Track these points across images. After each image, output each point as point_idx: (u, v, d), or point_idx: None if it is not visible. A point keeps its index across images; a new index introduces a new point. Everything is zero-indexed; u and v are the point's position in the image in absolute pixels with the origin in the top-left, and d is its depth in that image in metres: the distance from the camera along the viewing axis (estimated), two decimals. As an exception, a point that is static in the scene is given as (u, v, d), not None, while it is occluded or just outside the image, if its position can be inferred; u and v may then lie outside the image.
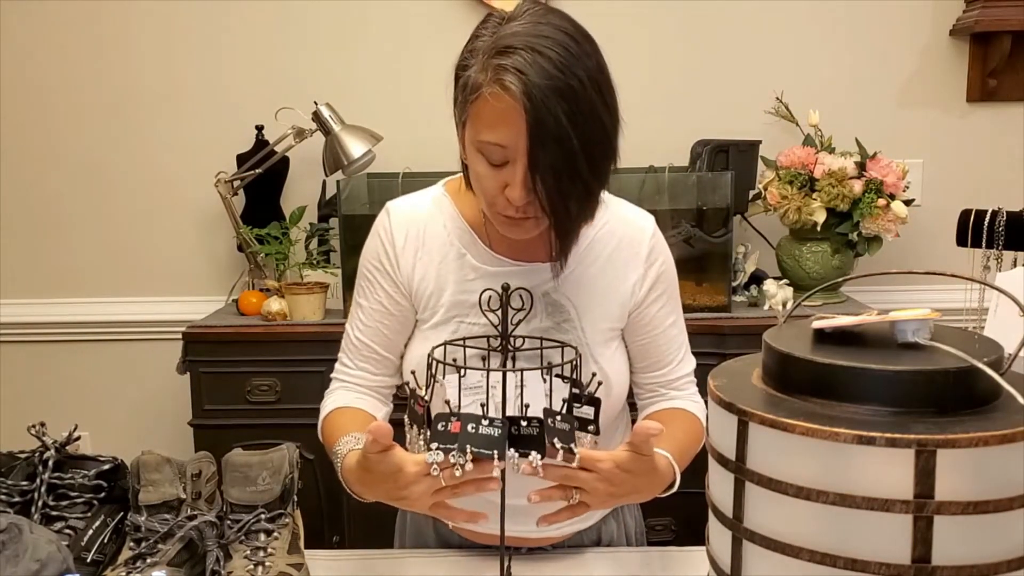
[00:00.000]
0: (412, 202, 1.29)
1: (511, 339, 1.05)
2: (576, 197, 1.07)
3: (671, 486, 1.17)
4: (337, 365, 1.34)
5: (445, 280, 1.24)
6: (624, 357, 1.29)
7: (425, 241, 1.25)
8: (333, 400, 1.31)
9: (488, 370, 0.99)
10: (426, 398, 1.01)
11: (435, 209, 1.27)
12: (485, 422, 0.95)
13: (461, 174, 1.25)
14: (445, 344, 1.08)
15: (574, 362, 1.02)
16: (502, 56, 1.02)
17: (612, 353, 1.26)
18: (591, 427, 1.01)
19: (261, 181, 2.47)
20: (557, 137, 1.01)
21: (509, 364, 1.04)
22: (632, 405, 1.39)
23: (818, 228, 2.31)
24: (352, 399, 1.31)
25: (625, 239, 1.26)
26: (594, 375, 1.06)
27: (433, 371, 1.02)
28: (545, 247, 1.20)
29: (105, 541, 1.18)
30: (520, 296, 1.05)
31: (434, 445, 0.95)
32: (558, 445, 0.96)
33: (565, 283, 1.23)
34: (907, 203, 2.31)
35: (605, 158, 1.08)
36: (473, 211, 1.24)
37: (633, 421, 1.35)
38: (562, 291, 1.23)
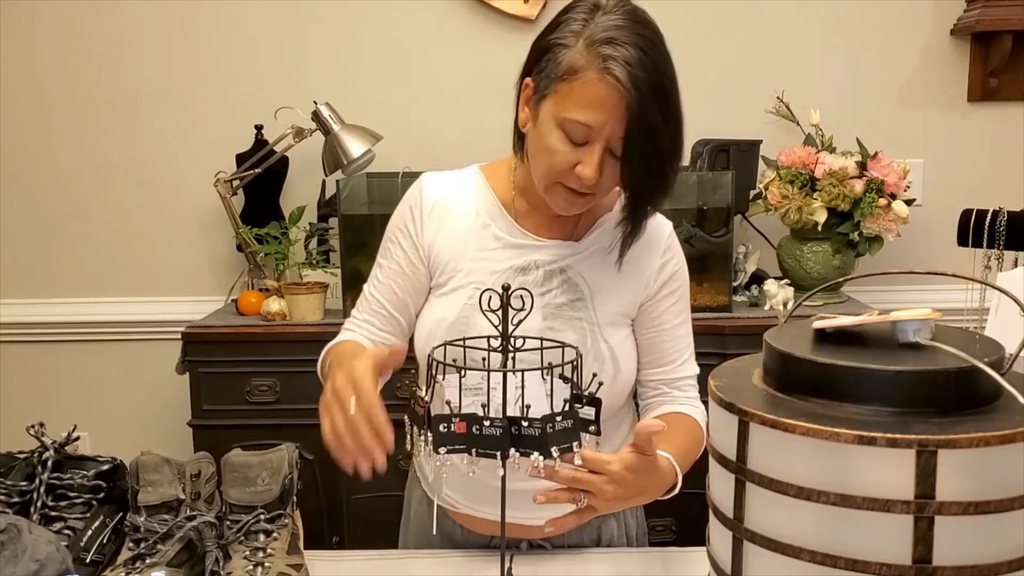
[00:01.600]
0: (445, 176, 1.34)
1: (511, 339, 1.04)
2: (659, 187, 1.18)
3: (672, 488, 1.18)
4: (347, 319, 1.37)
5: (466, 247, 1.28)
6: (634, 345, 1.32)
7: (452, 210, 1.30)
8: (336, 340, 1.34)
9: (488, 371, 0.99)
10: (426, 398, 1.00)
11: (467, 184, 1.33)
12: (487, 423, 0.95)
13: (494, 162, 1.34)
14: (445, 344, 1.08)
15: (574, 362, 1.02)
16: (609, 46, 1.09)
17: (622, 338, 1.29)
18: (592, 428, 1.00)
19: (261, 181, 2.47)
20: (652, 128, 1.11)
21: (509, 364, 1.04)
22: (637, 406, 1.39)
23: (819, 228, 2.31)
24: (356, 340, 1.33)
25: (644, 233, 1.30)
26: (594, 376, 1.06)
27: (434, 371, 1.02)
28: (567, 227, 1.29)
29: (104, 541, 1.17)
30: (520, 297, 1.04)
31: (442, 449, 0.95)
32: (555, 454, 0.96)
33: (582, 264, 1.28)
34: (908, 203, 2.31)
35: (680, 153, 1.19)
36: (504, 190, 1.30)
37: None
38: (578, 270, 1.28)
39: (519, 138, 1.25)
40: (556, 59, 1.13)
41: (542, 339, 1.09)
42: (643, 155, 1.13)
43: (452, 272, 1.27)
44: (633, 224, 1.22)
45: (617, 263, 1.27)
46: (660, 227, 1.33)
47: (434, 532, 1.33)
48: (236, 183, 2.46)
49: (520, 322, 1.04)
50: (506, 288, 1.03)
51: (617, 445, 1.32)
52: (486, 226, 1.28)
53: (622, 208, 1.23)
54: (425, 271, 1.30)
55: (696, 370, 1.37)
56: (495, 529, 1.29)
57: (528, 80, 1.19)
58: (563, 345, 1.06)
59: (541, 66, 1.16)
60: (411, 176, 2.28)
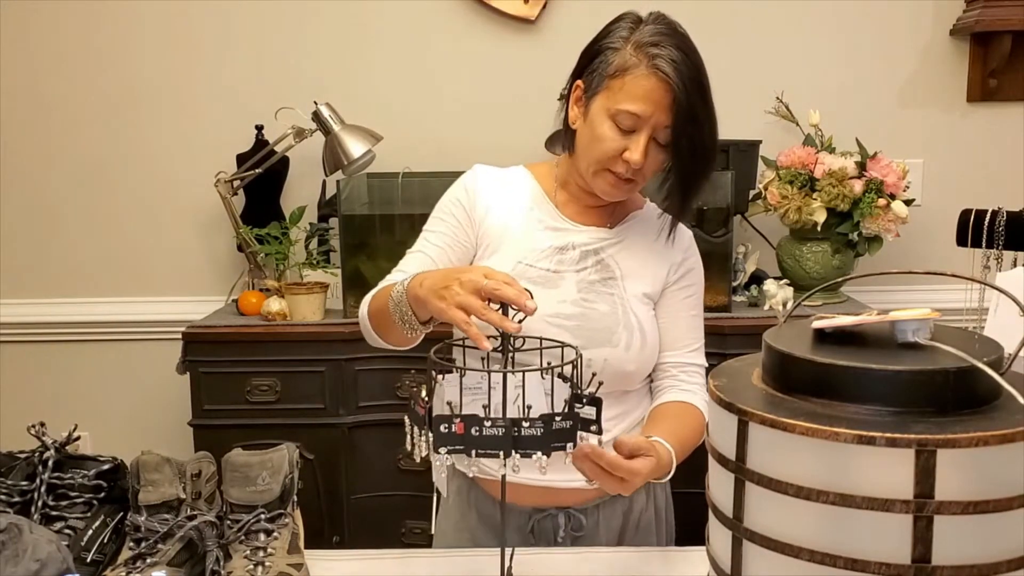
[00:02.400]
0: (495, 168, 1.47)
1: (511, 339, 1.05)
2: (701, 171, 1.31)
3: (666, 475, 1.27)
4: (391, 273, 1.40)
5: (513, 226, 1.39)
6: (656, 325, 1.41)
7: (501, 195, 1.42)
8: (381, 286, 1.35)
9: (489, 371, 0.99)
10: (425, 398, 1.00)
11: (515, 176, 1.46)
12: (488, 423, 0.95)
13: (535, 163, 1.47)
14: (444, 344, 1.09)
15: (574, 362, 1.02)
16: (656, 48, 1.25)
17: (649, 317, 1.40)
18: (593, 427, 1.01)
19: (261, 181, 2.47)
20: (696, 117, 1.26)
21: (510, 364, 1.04)
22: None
23: (818, 228, 2.31)
24: None
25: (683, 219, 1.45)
26: (594, 375, 1.06)
27: (434, 372, 1.02)
28: (602, 217, 1.42)
29: (105, 541, 1.18)
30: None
31: (443, 450, 0.95)
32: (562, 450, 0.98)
33: (614, 248, 1.40)
34: (907, 203, 2.31)
35: (716, 143, 1.31)
36: (547, 183, 1.44)
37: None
38: (611, 253, 1.40)
39: (567, 134, 1.38)
40: (607, 60, 1.28)
41: (541, 339, 1.09)
42: (689, 141, 1.27)
43: (497, 247, 1.38)
44: (681, 205, 1.36)
45: (668, 240, 1.42)
46: (685, 230, 1.46)
47: (431, 531, 1.35)
48: (237, 183, 2.46)
49: (520, 322, 1.05)
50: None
51: (637, 419, 1.42)
52: (531, 210, 1.41)
53: (665, 196, 1.37)
54: (473, 244, 1.40)
55: (705, 363, 1.45)
56: (535, 498, 1.36)
57: (579, 82, 1.34)
58: (563, 345, 1.07)
59: (593, 67, 1.31)
60: (411, 176, 2.29)
